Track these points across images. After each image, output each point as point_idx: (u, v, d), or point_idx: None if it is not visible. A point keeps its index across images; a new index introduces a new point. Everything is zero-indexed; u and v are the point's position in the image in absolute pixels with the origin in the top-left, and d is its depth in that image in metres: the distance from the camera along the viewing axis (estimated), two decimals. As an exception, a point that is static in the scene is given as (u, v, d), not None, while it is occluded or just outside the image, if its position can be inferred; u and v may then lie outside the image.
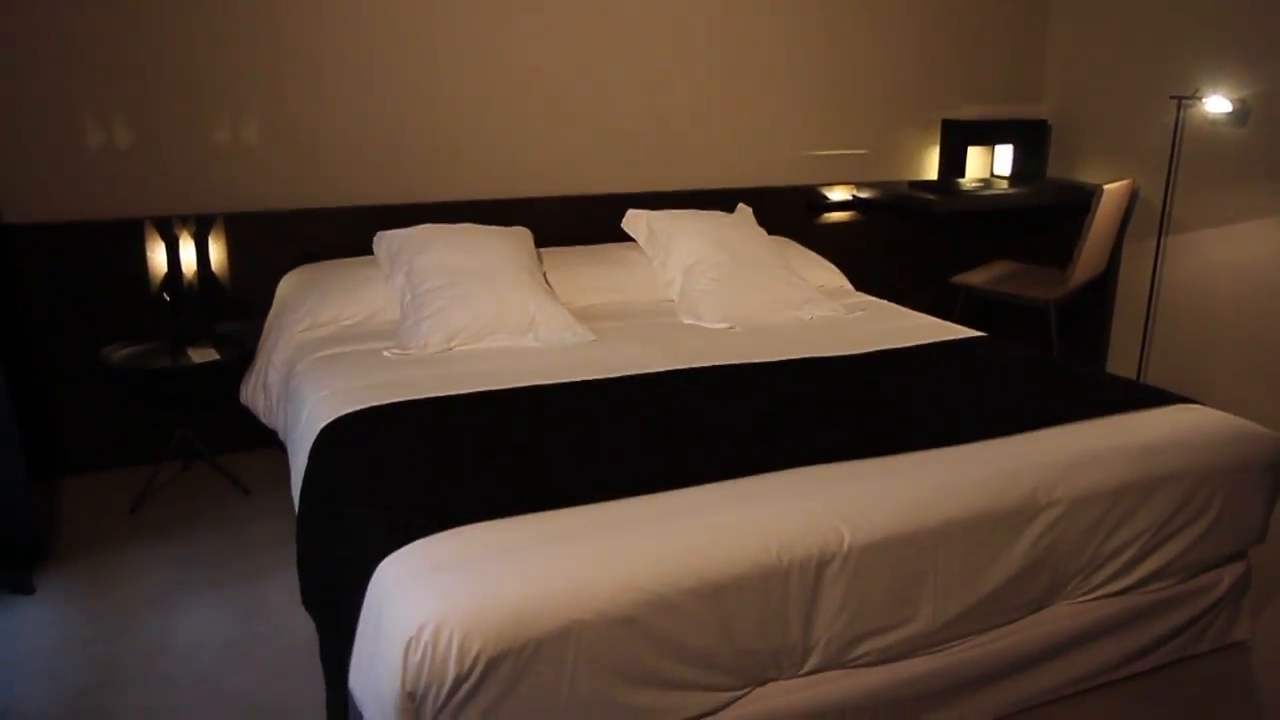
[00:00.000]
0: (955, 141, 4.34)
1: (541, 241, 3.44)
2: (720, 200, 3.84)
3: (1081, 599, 2.18)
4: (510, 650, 1.56)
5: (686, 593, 1.69)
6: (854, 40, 4.10)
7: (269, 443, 3.07)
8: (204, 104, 3.24)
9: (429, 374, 2.60)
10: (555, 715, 1.63)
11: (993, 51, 4.38)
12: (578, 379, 2.57)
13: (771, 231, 3.71)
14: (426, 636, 1.52)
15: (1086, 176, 4.35)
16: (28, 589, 2.63)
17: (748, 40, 3.92)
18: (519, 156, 3.68)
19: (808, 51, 4.04)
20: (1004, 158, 4.47)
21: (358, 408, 2.35)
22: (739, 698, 1.83)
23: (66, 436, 3.29)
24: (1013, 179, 4.43)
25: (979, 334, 3.07)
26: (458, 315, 2.87)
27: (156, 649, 2.39)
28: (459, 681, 1.53)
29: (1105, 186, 3.74)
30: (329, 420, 2.31)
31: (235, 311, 3.32)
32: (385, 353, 2.79)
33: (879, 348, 2.87)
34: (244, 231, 3.31)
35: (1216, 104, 3.72)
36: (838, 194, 4.24)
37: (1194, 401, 2.49)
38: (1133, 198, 4.14)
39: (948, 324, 3.19)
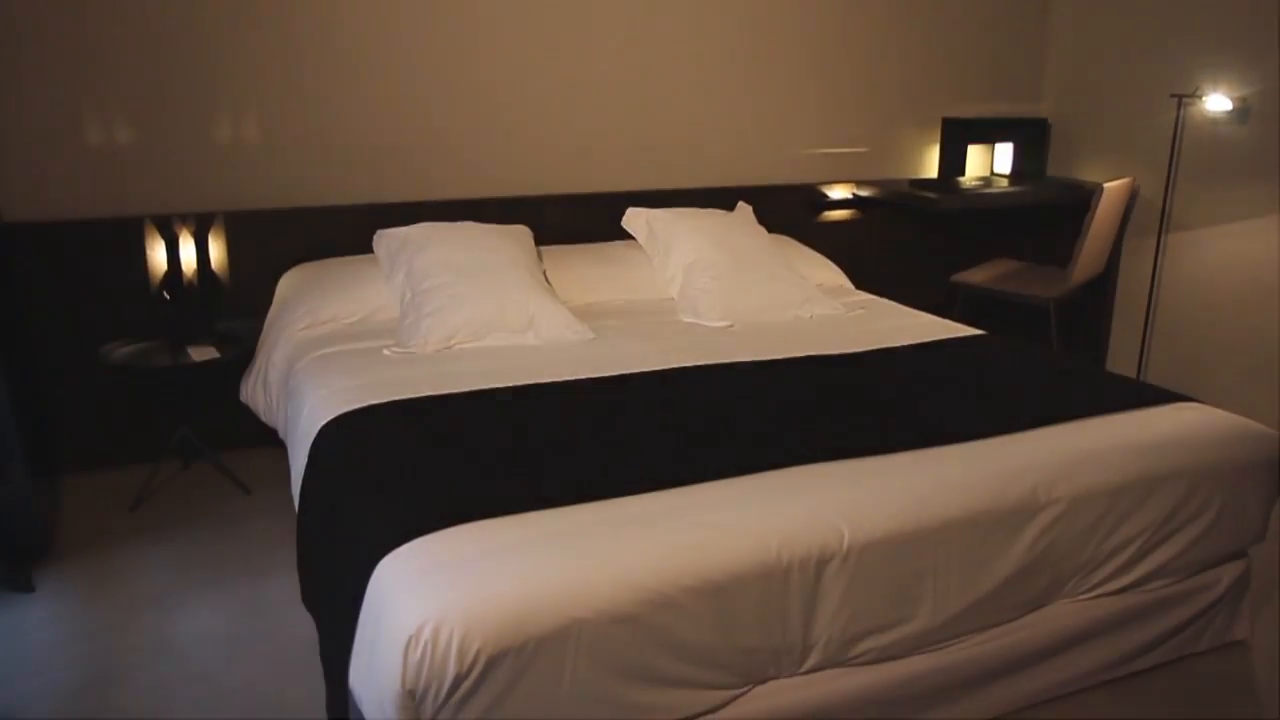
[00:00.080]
0: (955, 140, 4.33)
1: (541, 240, 3.44)
2: (720, 199, 3.84)
3: (1081, 597, 2.18)
4: (510, 648, 1.56)
5: (686, 591, 1.69)
6: (854, 39, 4.10)
7: (269, 441, 3.07)
8: (204, 102, 3.24)
9: (429, 372, 2.60)
10: (555, 713, 1.63)
11: (993, 50, 4.38)
12: (577, 377, 2.57)
13: (771, 230, 3.71)
14: (426, 635, 1.52)
15: (1087, 175, 4.34)
16: (28, 587, 2.63)
17: (748, 39, 3.92)
18: (519, 155, 3.68)
19: (808, 50, 4.04)
20: (1004, 156, 4.47)
21: (358, 406, 2.35)
22: (739, 696, 1.83)
23: (66, 435, 3.29)
24: (1013, 177, 4.43)
25: (979, 332, 3.06)
26: (457, 314, 2.87)
27: (156, 647, 2.39)
28: (459, 680, 1.53)
29: (1105, 185, 3.74)
30: (329, 418, 2.32)
31: (235, 310, 3.32)
32: (385, 351, 2.79)
33: (879, 346, 2.87)
34: (244, 230, 3.31)
35: (1217, 102, 3.72)
36: (838, 192, 4.24)
37: (1194, 400, 2.49)
38: (1133, 196, 4.14)
39: (948, 322, 3.19)
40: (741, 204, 3.75)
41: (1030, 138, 4.45)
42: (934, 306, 3.48)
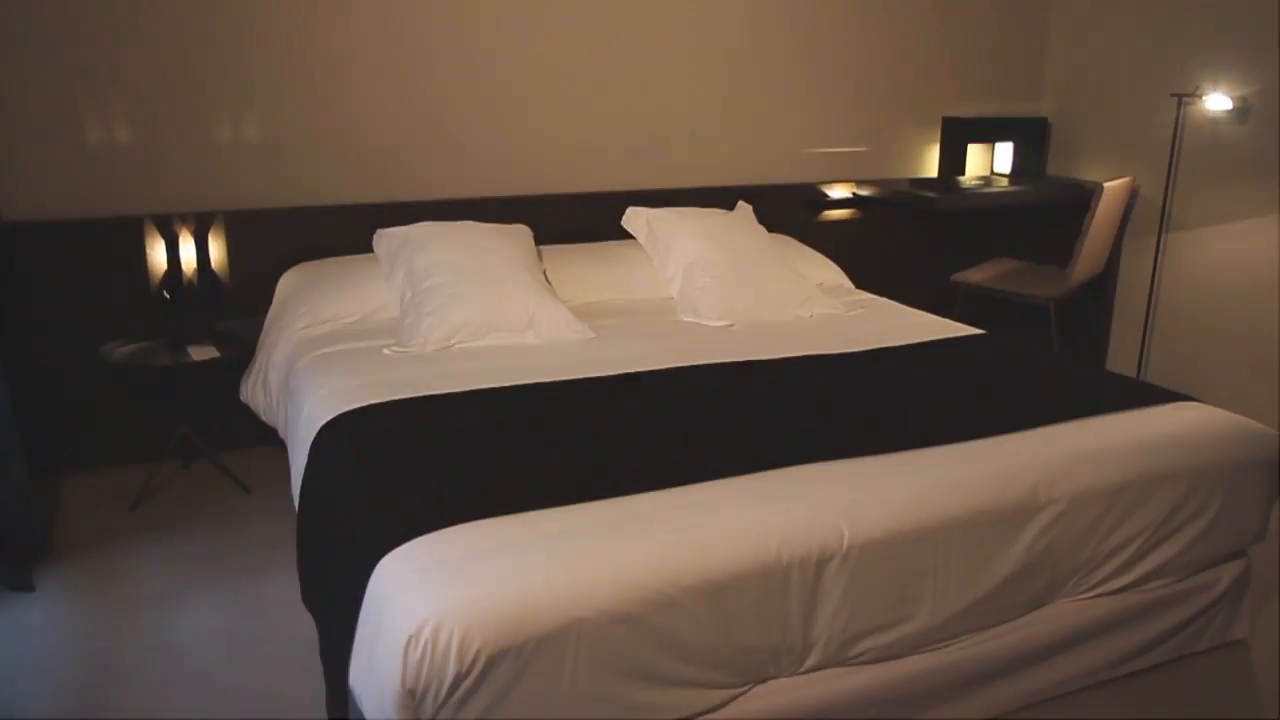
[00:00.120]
0: (955, 139, 4.33)
1: (541, 239, 3.44)
2: (720, 198, 3.84)
3: (1081, 597, 2.18)
4: (510, 648, 1.56)
5: (687, 590, 1.69)
6: (854, 38, 4.10)
7: (269, 440, 3.06)
8: (204, 101, 3.24)
9: (429, 372, 2.60)
10: (555, 712, 1.63)
11: (993, 49, 4.38)
12: (577, 377, 2.57)
13: (771, 229, 3.71)
14: (426, 634, 1.52)
15: (1087, 174, 4.34)
16: (28, 586, 2.63)
17: (748, 38, 3.92)
18: (519, 154, 3.67)
19: (808, 49, 4.04)
20: (1004, 155, 4.47)
21: (358, 405, 2.35)
22: (739, 695, 1.83)
23: (66, 434, 3.29)
24: (1013, 177, 4.43)
25: (979, 332, 3.07)
26: (458, 313, 2.87)
27: (156, 646, 2.39)
28: (459, 679, 1.53)
29: (1105, 184, 3.74)
30: (329, 418, 2.31)
31: (235, 309, 3.32)
32: (385, 350, 2.79)
33: (879, 346, 2.87)
34: (244, 229, 3.31)
35: (1217, 102, 3.72)
36: (838, 192, 4.24)
37: (1194, 399, 2.49)
38: (1133, 196, 4.14)
39: (948, 322, 3.19)
40: (741, 203, 3.75)
41: (1030, 137, 4.45)
42: (934, 306, 3.48)
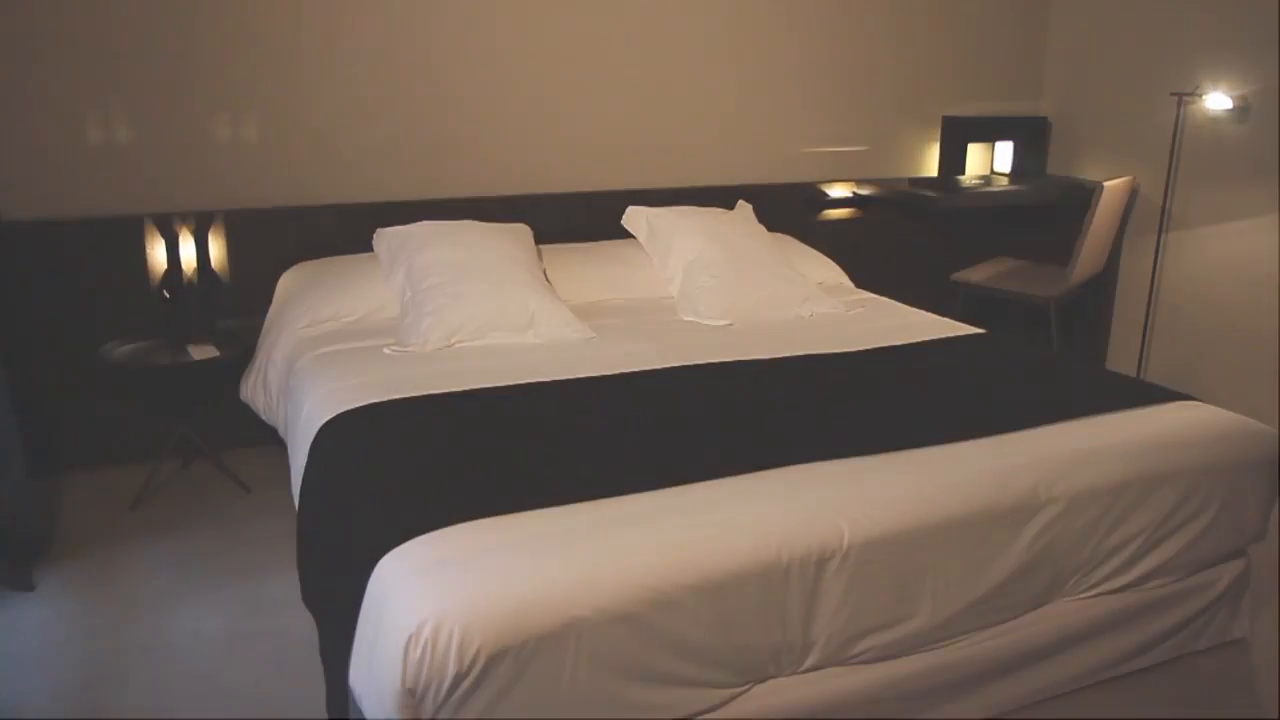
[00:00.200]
0: (955, 138, 4.33)
1: (541, 238, 3.44)
2: (720, 197, 3.84)
3: (1081, 596, 2.18)
4: (510, 647, 1.56)
5: (686, 589, 1.69)
6: (854, 37, 4.10)
7: (269, 440, 3.07)
8: (204, 101, 3.24)
9: (429, 371, 2.60)
10: (556, 711, 1.63)
11: (993, 48, 4.38)
12: (577, 376, 2.57)
13: (771, 228, 3.70)
14: (426, 633, 1.52)
15: (1087, 173, 4.34)
16: (28, 586, 2.63)
17: (748, 37, 3.92)
18: (519, 153, 3.67)
19: (808, 48, 4.03)
20: (1004, 154, 4.47)
21: (358, 405, 2.35)
22: (739, 694, 1.83)
23: (66, 434, 3.29)
24: (1013, 176, 4.43)
25: (979, 331, 3.06)
26: (458, 312, 2.87)
27: (156, 646, 2.39)
28: (459, 678, 1.53)
29: (1105, 183, 3.74)
30: (329, 417, 2.32)
31: (235, 308, 3.32)
32: (385, 350, 2.79)
33: (879, 345, 2.87)
34: (244, 228, 3.31)
35: (1217, 101, 3.72)
36: (838, 191, 4.24)
37: (1194, 399, 2.49)
38: (1133, 195, 4.14)
39: (948, 321, 3.19)
40: (741, 203, 3.75)
41: (1030, 136, 4.45)
42: (934, 305, 3.48)
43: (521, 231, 3.36)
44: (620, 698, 1.68)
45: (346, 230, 3.40)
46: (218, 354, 3.08)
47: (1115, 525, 2.14)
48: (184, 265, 3.14)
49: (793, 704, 1.88)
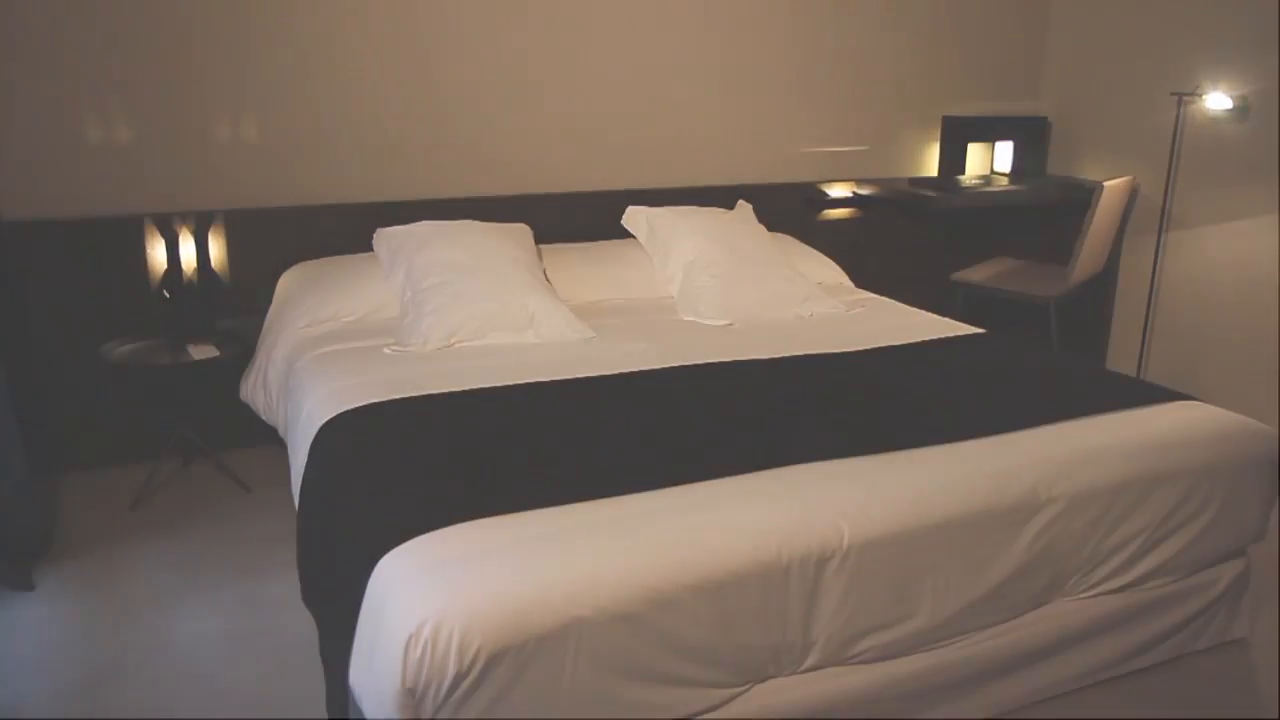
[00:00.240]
0: (955, 138, 4.33)
1: (541, 238, 3.44)
2: (720, 197, 3.84)
3: (1081, 596, 2.18)
4: (510, 647, 1.56)
5: (686, 589, 1.69)
6: (854, 36, 4.10)
7: (269, 440, 3.07)
8: (204, 100, 3.24)
9: (429, 371, 2.60)
10: (555, 711, 1.63)
11: (993, 48, 4.38)
12: (577, 376, 2.57)
13: (771, 228, 3.71)
14: (427, 633, 1.52)
15: (1087, 173, 4.34)
16: (27, 586, 2.63)
17: (748, 36, 3.92)
18: (519, 153, 3.67)
19: (808, 48, 4.03)
20: (1004, 154, 4.47)
21: (358, 404, 2.35)
22: (739, 694, 1.83)
23: (66, 433, 3.29)
24: (1013, 175, 4.43)
25: (979, 331, 3.06)
26: (458, 312, 2.87)
27: (156, 645, 2.39)
28: (459, 678, 1.53)
29: (1105, 183, 3.74)
30: (329, 417, 2.31)
31: (235, 308, 3.32)
32: (385, 349, 2.79)
33: (879, 345, 2.87)
34: (244, 228, 3.31)
35: (1217, 100, 3.72)
36: (838, 190, 4.24)
37: (1194, 398, 2.49)
38: (1133, 194, 4.14)
39: (948, 321, 3.19)
40: (741, 202, 3.75)
41: (1030, 136, 4.45)
42: (934, 305, 3.48)
43: (521, 231, 3.36)
44: (620, 698, 1.68)
45: (346, 230, 3.40)
46: (218, 354, 3.08)
47: (1115, 525, 2.14)
48: (184, 265, 3.14)
49: (793, 704, 1.88)
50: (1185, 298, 4.01)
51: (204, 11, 3.18)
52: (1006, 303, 4.08)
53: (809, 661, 1.88)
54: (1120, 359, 4.27)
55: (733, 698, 1.82)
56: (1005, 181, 4.32)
